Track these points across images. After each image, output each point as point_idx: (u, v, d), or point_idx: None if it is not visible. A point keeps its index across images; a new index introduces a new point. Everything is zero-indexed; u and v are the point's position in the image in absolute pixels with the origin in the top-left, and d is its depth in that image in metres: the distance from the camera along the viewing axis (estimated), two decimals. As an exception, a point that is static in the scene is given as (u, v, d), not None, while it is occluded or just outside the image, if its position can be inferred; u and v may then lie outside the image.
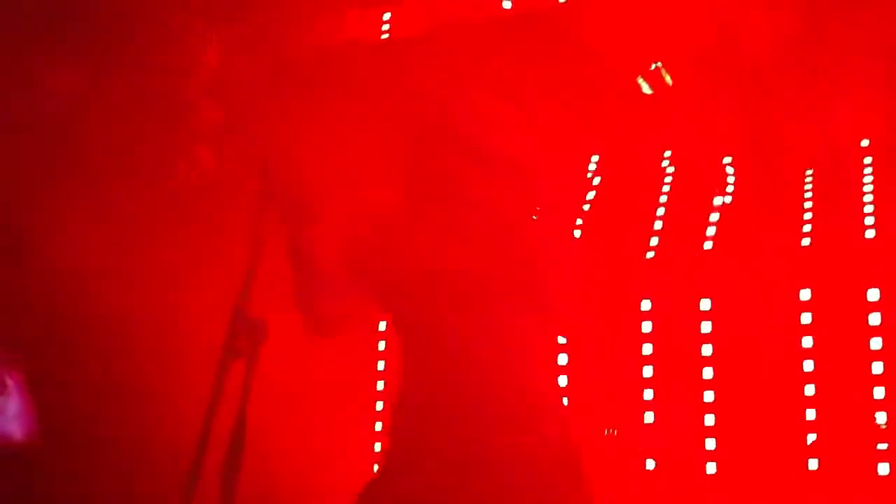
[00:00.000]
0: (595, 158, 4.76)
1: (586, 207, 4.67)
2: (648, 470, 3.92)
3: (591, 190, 4.72)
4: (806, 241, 4.12)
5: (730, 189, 4.41)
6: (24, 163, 4.18)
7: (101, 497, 3.95)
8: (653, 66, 4.54)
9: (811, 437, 3.72)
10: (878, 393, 3.68)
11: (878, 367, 3.72)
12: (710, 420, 3.91)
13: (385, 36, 4.75)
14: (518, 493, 2.04)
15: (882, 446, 3.60)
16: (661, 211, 4.48)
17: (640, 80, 4.58)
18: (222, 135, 4.52)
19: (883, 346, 3.75)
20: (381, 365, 4.56)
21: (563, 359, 4.13)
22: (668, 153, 4.62)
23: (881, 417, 3.64)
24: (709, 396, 3.94)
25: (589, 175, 4.69)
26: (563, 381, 4.08)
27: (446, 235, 2.23)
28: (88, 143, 4.35)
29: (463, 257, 2.20)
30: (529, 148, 2.24)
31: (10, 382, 3.79)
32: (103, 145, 4.36)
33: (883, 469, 3.60)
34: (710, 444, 3.89)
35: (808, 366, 3.83)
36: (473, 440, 2.07)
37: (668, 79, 4.53)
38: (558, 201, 2.38)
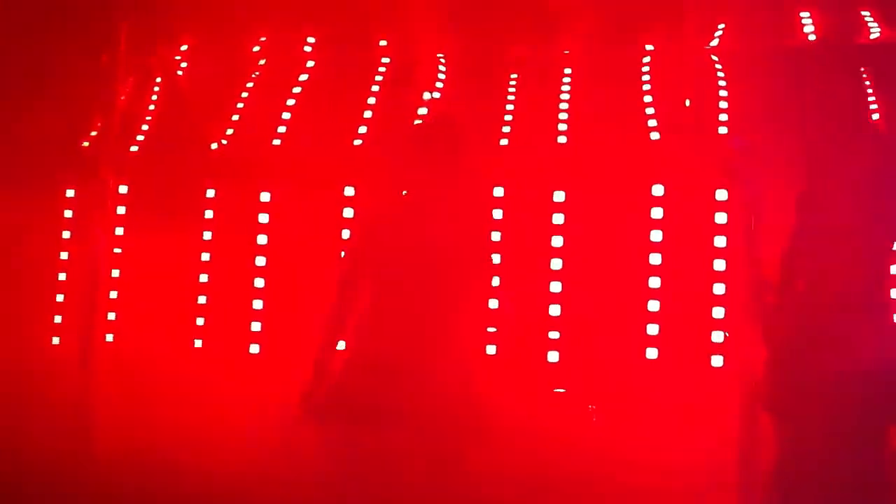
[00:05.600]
0: (311, 40, 4.69)
1: (298, 90, 4.60)
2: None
3: (305, 73, 4.65)
4: (504, 142, 4.30)
5: (439, 85, 4.49)
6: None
7: None
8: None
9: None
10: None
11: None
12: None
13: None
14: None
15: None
16: (372, 100, 4.49)
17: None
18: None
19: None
20: (66, 234, 4.38)
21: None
22: (383, 42, 4.63)
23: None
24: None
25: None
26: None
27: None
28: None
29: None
30: None
31: None
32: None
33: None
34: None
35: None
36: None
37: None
38: None
